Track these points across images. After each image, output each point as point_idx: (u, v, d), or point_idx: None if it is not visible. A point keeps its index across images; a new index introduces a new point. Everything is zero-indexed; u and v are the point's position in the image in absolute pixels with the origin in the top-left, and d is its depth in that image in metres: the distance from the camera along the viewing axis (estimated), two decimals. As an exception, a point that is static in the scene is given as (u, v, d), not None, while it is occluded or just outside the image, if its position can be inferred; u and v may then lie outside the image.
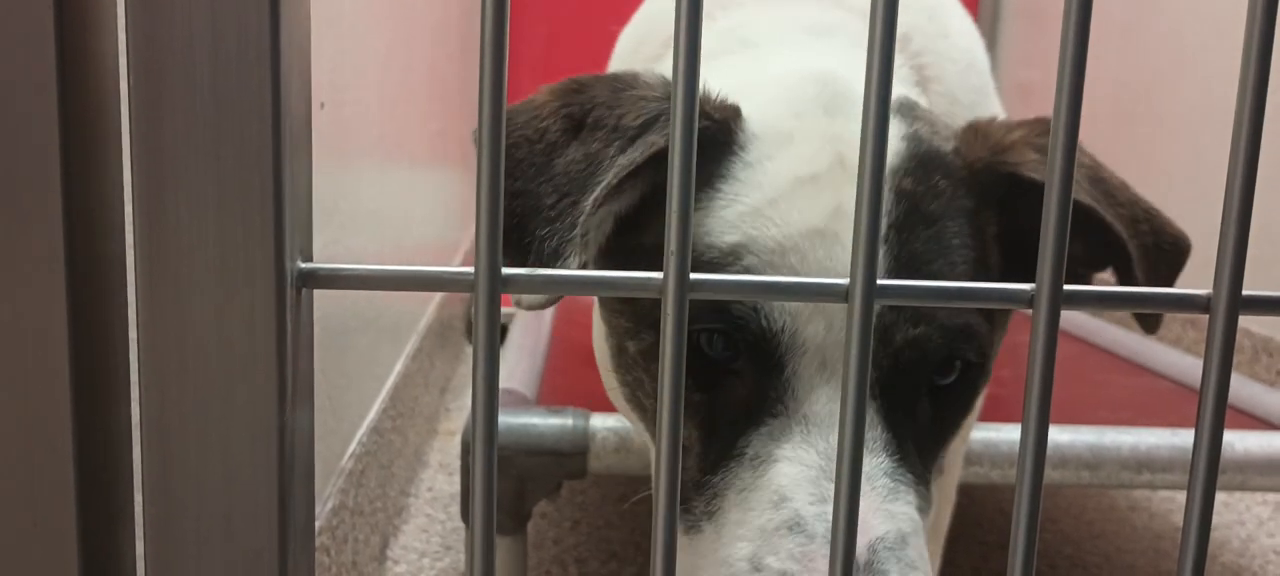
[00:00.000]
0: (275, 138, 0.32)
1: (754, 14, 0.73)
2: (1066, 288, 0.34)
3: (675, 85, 0.32)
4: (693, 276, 0.33)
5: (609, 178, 0.52)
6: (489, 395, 0.33)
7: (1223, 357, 0.34)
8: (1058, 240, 0.33)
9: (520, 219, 0.54)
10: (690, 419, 0.55)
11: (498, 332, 0.33)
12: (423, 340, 1.56)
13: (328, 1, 0.95)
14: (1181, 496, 1.49)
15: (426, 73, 1.67)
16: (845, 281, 0.33)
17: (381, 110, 1.27)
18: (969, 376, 0.57)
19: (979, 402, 0.60)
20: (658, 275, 0.33)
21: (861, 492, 0.47)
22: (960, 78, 0.76)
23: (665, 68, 0.64)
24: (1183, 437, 0.99)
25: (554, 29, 2.96)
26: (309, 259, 0.36)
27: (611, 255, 0.59)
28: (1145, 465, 0.98)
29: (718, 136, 0.56)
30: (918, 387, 0.55)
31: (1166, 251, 0.61)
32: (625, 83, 0.58)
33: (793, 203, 0.54)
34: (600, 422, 0.96)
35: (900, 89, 0.64)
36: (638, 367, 0.60)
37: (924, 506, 0.53)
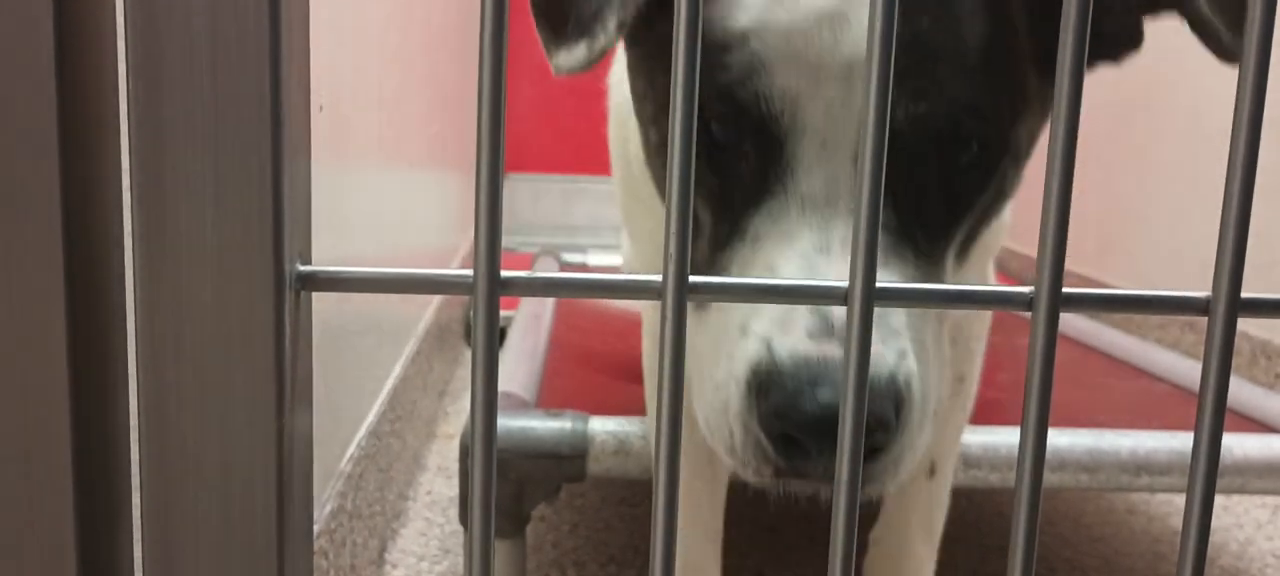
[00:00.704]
0: (274, 140, 0.32)
1: None
2: (1065, 290, 0.34)
3: (675, 84, 0.32)
4: (692, 278, 0.33)
5: None
6: (488, 398, 0.33)
7: (1222, 360, 0.34)
8: (1058, 240, 0.33)
9: None
10: (703, 202, 0.56)
11: (497, 335, 0.33)
12: (421, 343, 1.56)
13: (327, 4, 0.95)
14: (1180, 499, 1.49)
15: (426, 76, 1.67)
16: (844, 284, 0.33)
17: (381, 113, 1.27)
18: (986, 159, 0.55)
19: (1005, 190, 0.58)
20: (656, 277, 0.33)
21: (848, 263, 0.49)
22: None
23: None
24: (1181, 440, 0.99)
25: (553, 32, 2.95)
26: (308, 261, 0.36)
27: (645, 44, 0.59)
28: (1144, 468, 0.98)
29: None
30: (923, 165, 0.53)
31: None
32: None
33: None
34: (599, 425, 0.96)
35: None
36: (660, 156, 0.61)
37: (927, 280, 0.53)
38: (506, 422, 0.95)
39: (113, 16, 0.34)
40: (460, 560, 1.24)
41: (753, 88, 0.52)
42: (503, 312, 0.35)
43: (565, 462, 0.95)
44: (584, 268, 2.47)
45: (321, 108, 0.93)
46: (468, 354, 2.16)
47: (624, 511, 1.40)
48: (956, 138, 0.54)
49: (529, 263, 2.33)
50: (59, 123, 0.32)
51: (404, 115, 1.45)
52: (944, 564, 0.94)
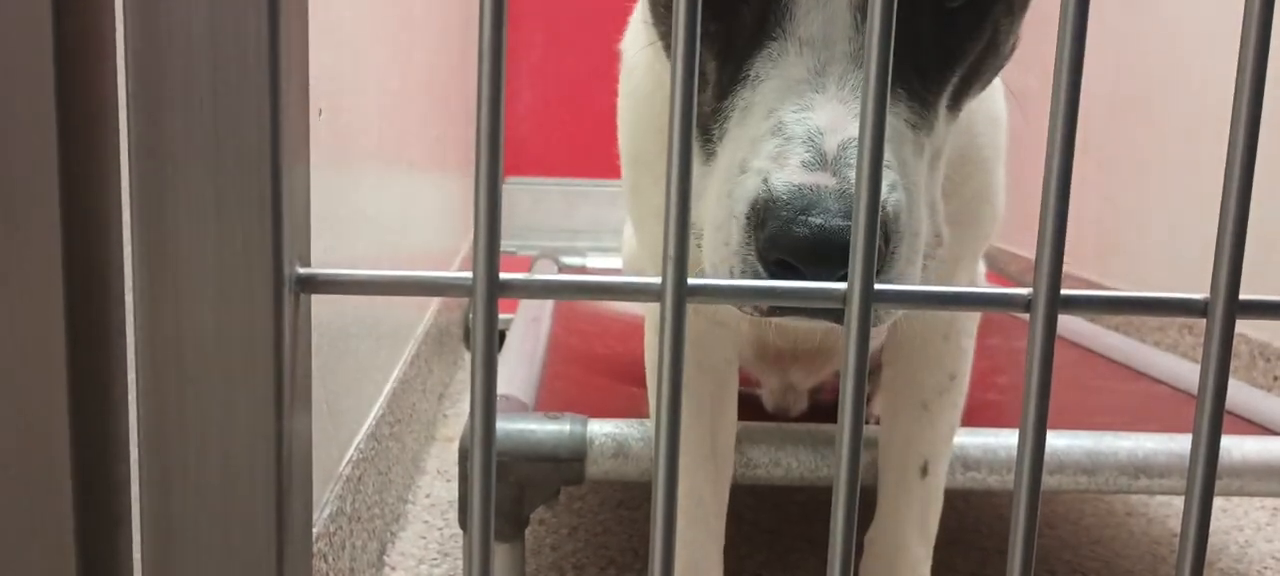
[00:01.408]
0: (274, 143, 0.32)
1: None
2: (1063, 292, 0.34)
3: (674, 85, 0.32)
4: (691, 281, 0.33)
5: None
6: (487, 401, 0.33)
7: (1220, 361, 0.34)
8: (1056, 242, 0.33)
9: None
10: (708, 48, 0.57)
11: (496, 338, 0.33)
12: (420, 346, 1.56)
13: (326, 8, 0.95)
14: (1179, 501, 1.49)
15: (425, 79, 1.67)
16: (843, 286, 0.34)
17: (380, 116, 1.27)
18: (978, 1, 0.56)
19: (997, 43, 0.59)
20: (655, 280, 0.33)
21: (843, 100, 0.51)
22: None
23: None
24: (1180, 443, 1.00)
25: (552, 36, 2.96)
26: (307, 264, 0.36)
27: None
28: (1143, 470, 0.98)
29: None
30: (914, 6, 0.54)
31: None
32: None
33: None
34: (598, 428, 0.96)
35: None
36: (667, 20, 0.62)
37: (917, 122, 0.55)
38: (505, 425, 0.95)
39: (112, 22, 0.34)
40: (459, 563, 1.24)
41: None
42: (501, 316, 0.35)
43: (564, 465, 0.95)
44: (583, 271, 2.47)
45: (321, 111, 0.93)
46: (467, 357, 2.16)
47: (623, 514, 1.40)
48: None
49: (528, 266, 2.33)
50: (58, 126, 0.32)
51: (403, 118, 1.45)
52: (943, 566, 0.94)
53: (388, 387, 1.29)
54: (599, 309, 1.65)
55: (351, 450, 1.07)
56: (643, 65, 0.78)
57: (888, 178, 0.51)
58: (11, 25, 0.31)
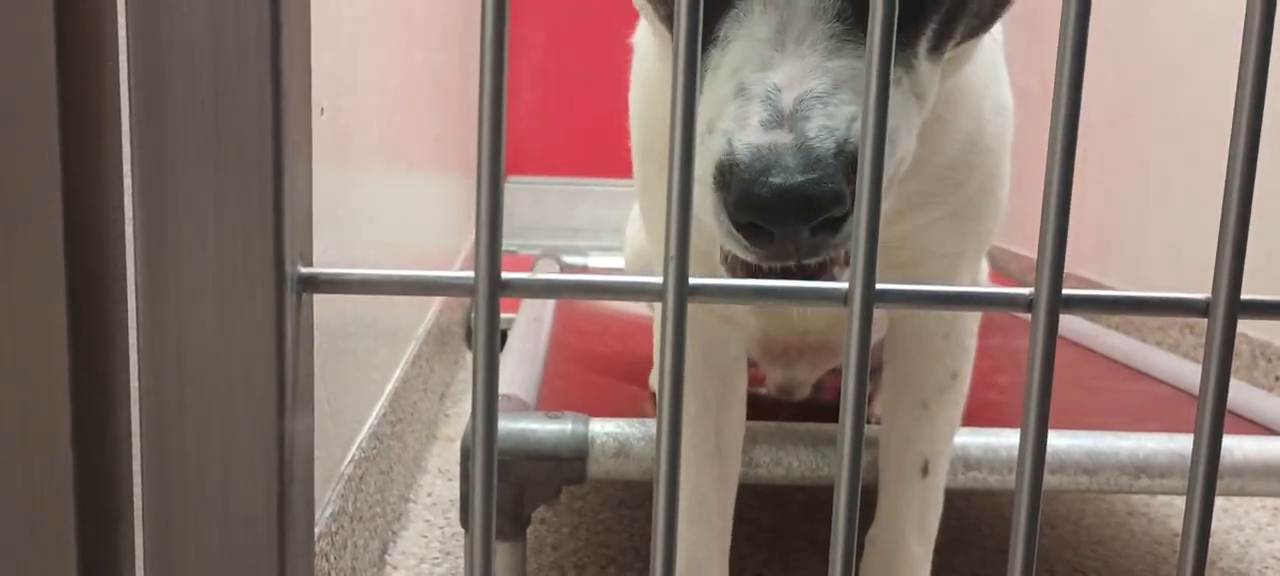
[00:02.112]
0: (276, 143, 0.32)
1: None
2: (1065, 292, 0.34)
3: (675, 85, 0.32)
4: (692, 281, 0.33)
5: None
6: (489, 400, 0.33)
7: (1222, 361, 0.34)
8: (1057, 242, 0.33)
9: None
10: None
11: (497, 337, 0.33)
12: (422, 346, 1.56)
13: (328, 7, 0.95)
14: (1180, 501, 1.49)
15: (426, 79, 1.67)
16: (844, 286, 0.34)
17: (381, 116, 1.27)
18: None
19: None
20: (656, 280, 0.33)
21: (801, 56, 0.52)
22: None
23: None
24: (1181, 443, 0.99)
25: (553, 36, 2.96)
26: (309, 264, 0.36)
27: None
28: (1143, 470, 0.98)
29: None
30: None
31: None
32: None
33: None
34: (599, 428, 0.96)
35: None
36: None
37: (897, 59, 0.55)
38: (507, 425, 0.95)
39: (114, 22, 0.34)
40: (461, 562, 1.24)
41: None
42: (503, 315, 0.35)
43: (565, 465, 0.95)
44: (584, 270, 2.47)
45: (322, 110, 0.93)
46: (468, 356, 2.16)
47: (624, 514, 1.40)
48: None
49: (529, 265, 2.33)
50: (60, 126, 0.32)
51: (404, 118, 1.45)
52: (944, 566, 0.94)
53: (389, 387, 1.30)
54: (600, 308, 1.65)
55: (353, 449, 1.07)
56: (652, 53, 0.78)
57: (844, 112, 0.51)
58: (13, 26, 0.31)
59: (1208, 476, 0.35)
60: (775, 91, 0.52)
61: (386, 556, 1.24)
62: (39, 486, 0.33)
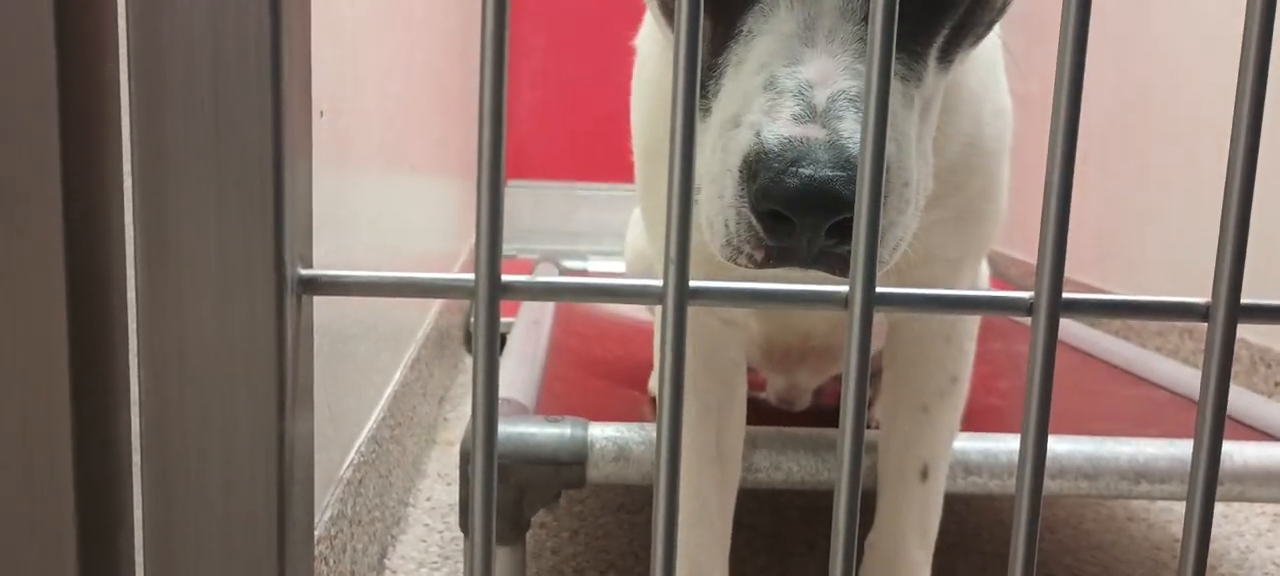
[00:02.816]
0: (276, 145, 0.32)
1: None
2: (1065, 296, 0.34)
3: (675, 85, 0.32)
4: (692, 284, 0.33)
5: None
6: (489, 403, 0.33)
7: (1222, 365, 0.34)
8: (1057, 246, 0.33)
9: None
10: (704, 7, 0.58)
11: (497, 341, 0.33)
12: (421, 349, 1.56)
13: (328, 10, 0.95)
14: (1180, 507, 1.49)
15: (427, 81, 1.68)
16: (845, 288, 0.34)
17: (381, 119, 1.27)
18: None
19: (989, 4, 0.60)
20: (657, 283, 0.33)
21: (832, 55, 0.53)
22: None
23: None
24: (1181, 448, 0.99)
25: (554, 39, 2.97)
26: (309, 266, 0.36)
27: None
28: (1143, 475, 0.98)
29: None
30: None
31: None
32: None
33: None
34: (599, 432, 0.96)
35: None
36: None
37: (906, 73, 0.56)
38: (506, 429, 0.95)
39: (114, 23, 0.34)
40: (460, 566, 1.24)
41: None
42: (502, 319, 0.35)
43: (565, 469, 0.95)
44: (584, 274, 2.47)
45: (322, 113, 0.93)
46: (467, 360, 2.16)
47: (623, 518, 1.40)
48: None
49: (529, 269, 2.33)
50: (61, 129, 0.32)
51: (405, 121, 1.45)
52: (944, 571, 0.94)
53: (388, 391, 1.30)
54: (600, 312, 1.65)
55: (352, 453, 1.07)
56: (655, 54, 0.78)
57: None
58: (14, 27, 0.31)
59: (1208, 482, 0.35)
60: (807, 87, 0.52)
61: (385, 560, 1.24)
62: (39, 487, 0.33)
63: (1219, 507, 1.50)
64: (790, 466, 0.96)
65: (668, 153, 0.33)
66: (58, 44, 0.31)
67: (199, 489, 0.34)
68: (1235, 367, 1.83)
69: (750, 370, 0.97)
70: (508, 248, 2.85)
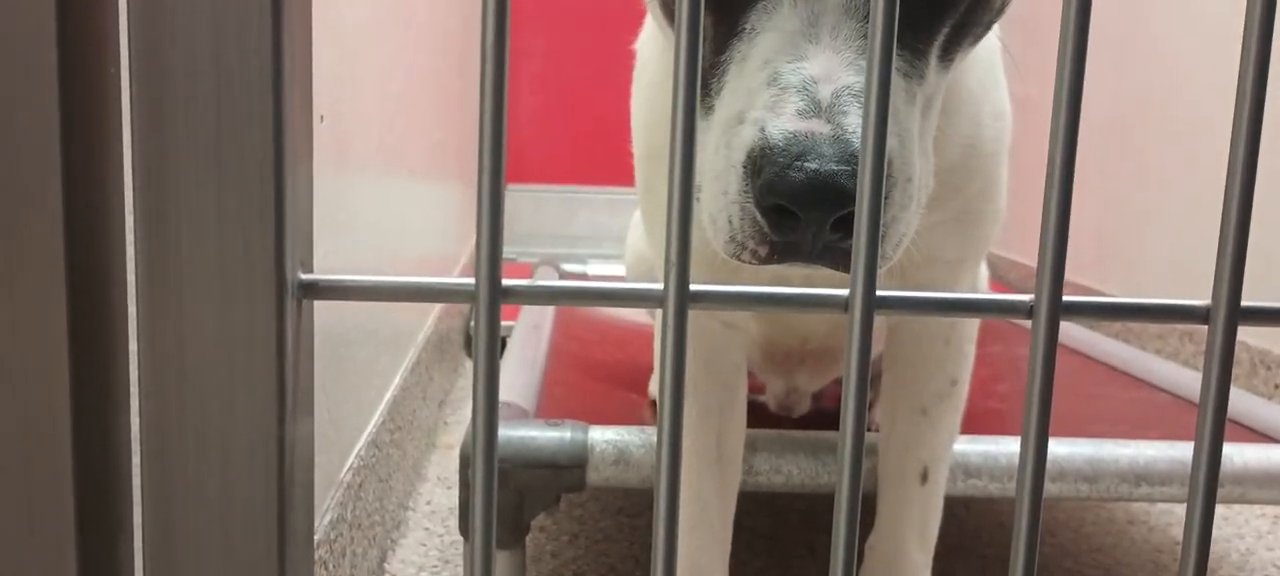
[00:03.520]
0: (276, 149, 0.32)
1: None
2: (1065, 299, 0.34)
3: (676, 85, 0.32)
4: (693, 287, 0.33)
5: None
6: (489, 407, 0.33)
7: (1222, 367, 0.34)
8: (1057, 248, 0.33)
9: None
10: (706, 5, 0.58)
11: (498, 345, 0.33)
12: (421, 353, 1.56)
13: (329, 14, 0.95)
14: (1180, 509, 1.49)
15: (427, 86, 1.68)
16: (845, 292, 0.34)
17: (382, 122, 1.27)
18: None
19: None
20: (657, 286, 0.33)
21: (836, 50, 0.53)
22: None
23: None
24: (1181, 450, 0.99)
25: (554, 43, 2.97)
26: (309, 270, 0.36)
27: None
28: (1144, 478, 0.98)
29: None
30: None
31: None
32: None
33: None
34: (599, 435, 0.96)
35: None
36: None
37: (908, 71, 0.56)
38: (506, 432, 0.95)
39: (116, 27, 0.34)
40: (459, 570, 1.24)
41: None
42: (503, 323, 0.35)
43: (565, 472, 0.95)
44: (584, 277, 2.48)
45: (323, 117, 0.93)
46: (467, 364, 2.16)
47: (624, 521, 1.40)
48: None
49: (529, 273, 2.34)
50: (62, 132, 0.32)
51: (405, 125, 1.45)
52: (944, 574, 0.94)
53: (388, 394, 1.29)
54: (600, 315, 1.65)
55: (352, 457, 1.07)
56: (655, 57, 0.78)
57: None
58: (15, 31, 0.31)
59: (1208, 484, 0.35)
60: (812, 82, 0.52)
61: (385, 564, 1.24)
62: (39, 489, 0.33)
63: (1219, 509, 1.50)
64: (790, 469, 0.96)
65: (668, 155, 0.33)
66: (59, 45, 0.31)
67: (199, 492, 0.34)
68: (1235, 370, 1.83)
69: (749, 374, 0.97)
70: (508, 251, 2.85)
